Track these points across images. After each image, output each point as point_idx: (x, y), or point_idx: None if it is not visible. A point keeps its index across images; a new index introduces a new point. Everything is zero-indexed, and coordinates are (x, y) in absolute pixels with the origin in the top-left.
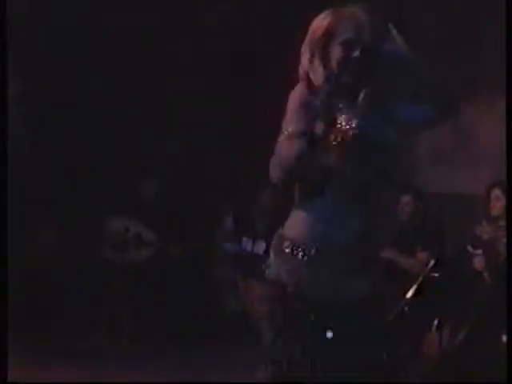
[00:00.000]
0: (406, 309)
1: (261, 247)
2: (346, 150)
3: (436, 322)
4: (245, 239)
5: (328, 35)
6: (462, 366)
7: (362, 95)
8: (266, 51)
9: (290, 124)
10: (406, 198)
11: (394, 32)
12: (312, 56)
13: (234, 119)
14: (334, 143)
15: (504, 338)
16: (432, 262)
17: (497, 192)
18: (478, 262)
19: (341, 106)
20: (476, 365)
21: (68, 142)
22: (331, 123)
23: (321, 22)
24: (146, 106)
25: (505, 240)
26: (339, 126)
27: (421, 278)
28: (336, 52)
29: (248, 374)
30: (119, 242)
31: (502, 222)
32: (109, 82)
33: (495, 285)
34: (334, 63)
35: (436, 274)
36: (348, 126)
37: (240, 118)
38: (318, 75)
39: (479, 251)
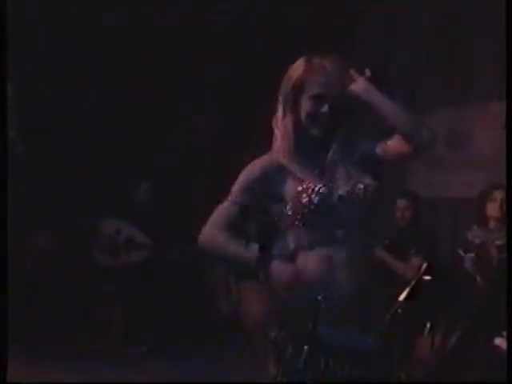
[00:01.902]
0: (399, 311)
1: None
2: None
3: (428, 325)
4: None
5: (298, 87)
6: (454, 369)
7: (332, 149)
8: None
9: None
10: (403, 202)
11: (368, 75)
12: (284, 109)
13: (229, 121)
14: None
15: (497, 341)
16: (425, 266)
17: (503, 194)
18: (471, 266)
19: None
20: (468, 368)
21: (60, 145)
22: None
23: (293, 73)
24: (139, 108)
25: (498, 243)
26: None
27: (413, 282)
28: (305, 105)
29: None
30: (110, 244)
31: (495, 225)
32: (104, 85)
33: (487, 288)
34: (303, 116)
35: (429, 278)
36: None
37: (236, 120)
38: (288, 129)
39: (471, 255)
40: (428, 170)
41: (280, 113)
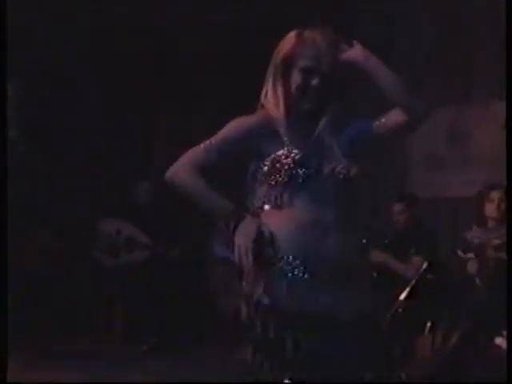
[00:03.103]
0: (399, 310)
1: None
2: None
3: (429, 324)
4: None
5: (289, 60)
6: (454, 368)
7: (320, 123)
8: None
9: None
10: (399, 207)
11: (357, 45)
12: (274, 81)
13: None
14: (271, 182)
15: (497, 341)
16: (425, 265)
17: (500, 194)
18: (470, 266)
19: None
20: (469, 367)
21: (61, 145)
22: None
23: (282, 47)
24: (140, 108)
25: (496, 242)
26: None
27: (414, 281)
28: (296, 78)
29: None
30: (111, 244)
31: (494, 225)
32: (104, 85)
33: (487, 288)
34: (293, 89)
35: (429, 277)
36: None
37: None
38: (277, 99)
39: (470, 255)
40: (428, 170)
41: (270, 85)
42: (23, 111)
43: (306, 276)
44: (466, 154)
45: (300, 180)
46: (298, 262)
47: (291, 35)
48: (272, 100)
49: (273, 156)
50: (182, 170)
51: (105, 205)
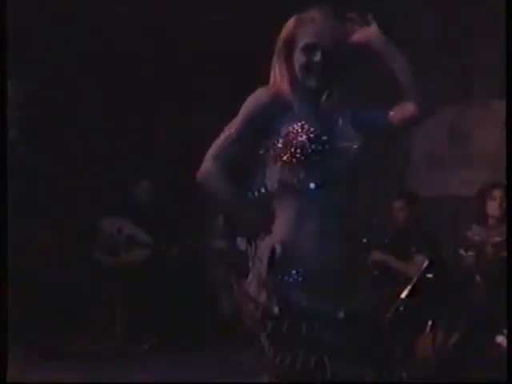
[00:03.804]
0: (400, 308)
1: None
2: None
3: (430, 323)
4: (239, 239)
5: (290, 42)
6: (455, 367)
7: (323, 97)
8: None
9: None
10: (399, 204)
11: (374, 24)
12: (280, 64)
13: (230, 120)
14: (285, 159)
15: (498, 339)
16: (426, 263)
17: (502, 192)
18: (471, 264)
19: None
20: (469, 366)
21: (61, 144)
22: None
23: (283, 32)
24: (140, 107)
25: (498, 239)
26: (291, 138)
27: (415, 280)
28: (298, 58)
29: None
30: (112, 243)
31: (494, 223)
32: (104, 84)
33: (487, 287)
34: (297, 69)
35: (430, 276)
36: (300, 137)
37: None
38: (284, 82)
39: (471, 253)
40: (428, 169)
41: (277, 72)
42: (23, 111)
43: (307, 277)
44: (466, 154)
45: (316, 157)
46: (302, 269)
47: (290, 20)
48: (280, 83)
49: (287, 131)
50: (211, 175)
51: (105, 204)
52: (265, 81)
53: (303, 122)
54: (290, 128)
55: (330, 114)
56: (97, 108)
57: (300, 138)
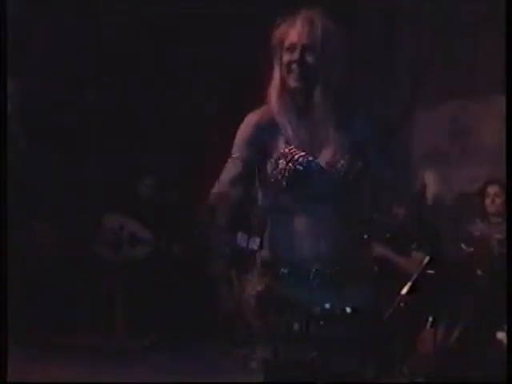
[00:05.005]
0: (401, 304)
1: (255, 243)
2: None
3: (431, 319)
4: (240, 235)
5: (278, 46)
6: (456, 363)
7: (304, 99)
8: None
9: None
10: (400, 200)
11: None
12: (273, 71)
13: (230, 119)
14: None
15: (499, 336)
16: (427, 259)
17: (495, 189)
18: (471, 260)
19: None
20: (470, 362)
21: (63, 140)
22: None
23: (273, 35)
24: (143, 104)
25: (498, 236)
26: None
27: (416, 276)
28: (283, 60)
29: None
30: (114, 239)
31: (496, 220)
32: (107, 80)
33: (489, 282)
34: (283, 71)
35: (431, 271)
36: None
37: (237, 117)
38: (277, 85)
39: (472, 249)
40: (430, 165)
41: (273, 77)
42: (24, 106)
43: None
44: (467, 150)
45: (301, 177)
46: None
47: (279, 23)
48: (271, 89)
49: (276, 153)
50: (218, 191)
51: (108, 200)
52: (264, 81)
53: (290, 142)
54: (280, 149)
55: (321, 126)
56: (99, 104)
57: (289, 165)
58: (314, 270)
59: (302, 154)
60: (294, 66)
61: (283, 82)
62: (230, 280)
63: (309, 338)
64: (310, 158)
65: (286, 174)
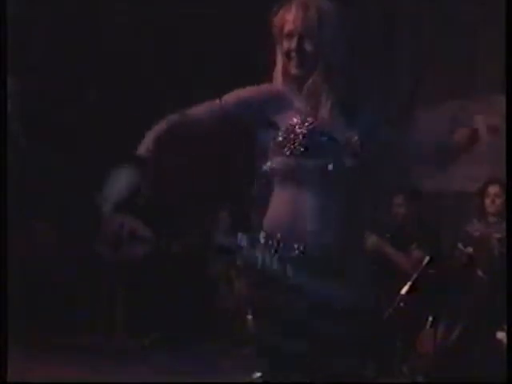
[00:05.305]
0: (401, 304)
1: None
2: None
3: (430, 319)
4: (240, 234)
5: (278, 34)
6: (456, 363)
7: (306, 86)
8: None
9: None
10: (398, 200)
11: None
12: (276, 59)
13: None
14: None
15: (499, 335)
16: (427, 259)
17: (495, 189)
18: (471, 260)
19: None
20: (470, 362)
21: (64, 140)
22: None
23: (272, 23)
24: (143, 104)
25: (498, 236)
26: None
27: (415, 275)
28: (284, 45)
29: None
30: (113, 238)
31: (496, 219)
32: (106, 78)
33: (489, 282)
34: (283, 59)
35: (431, 271)
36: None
37: None
38: (278, 72)
39: (471, 249)
40: (430, 164)
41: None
42: (24, 106)
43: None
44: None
45: (315, 150)
46: (297, 251)
47: (278, 9)
48: (275, 74)
49: (287, 125)
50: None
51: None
52: (265, 77)
53: (303, 115)
54: (290, 122)
55: (319, 105)
56: (100, 102)
57: (299, 130)
58: (300, 247)
59: (316, 123)
60: (293, 54)
61: (285, 68)
62: (229, 280)
63: (308, 338)
64: (325, 128)
65: (301, 145)
